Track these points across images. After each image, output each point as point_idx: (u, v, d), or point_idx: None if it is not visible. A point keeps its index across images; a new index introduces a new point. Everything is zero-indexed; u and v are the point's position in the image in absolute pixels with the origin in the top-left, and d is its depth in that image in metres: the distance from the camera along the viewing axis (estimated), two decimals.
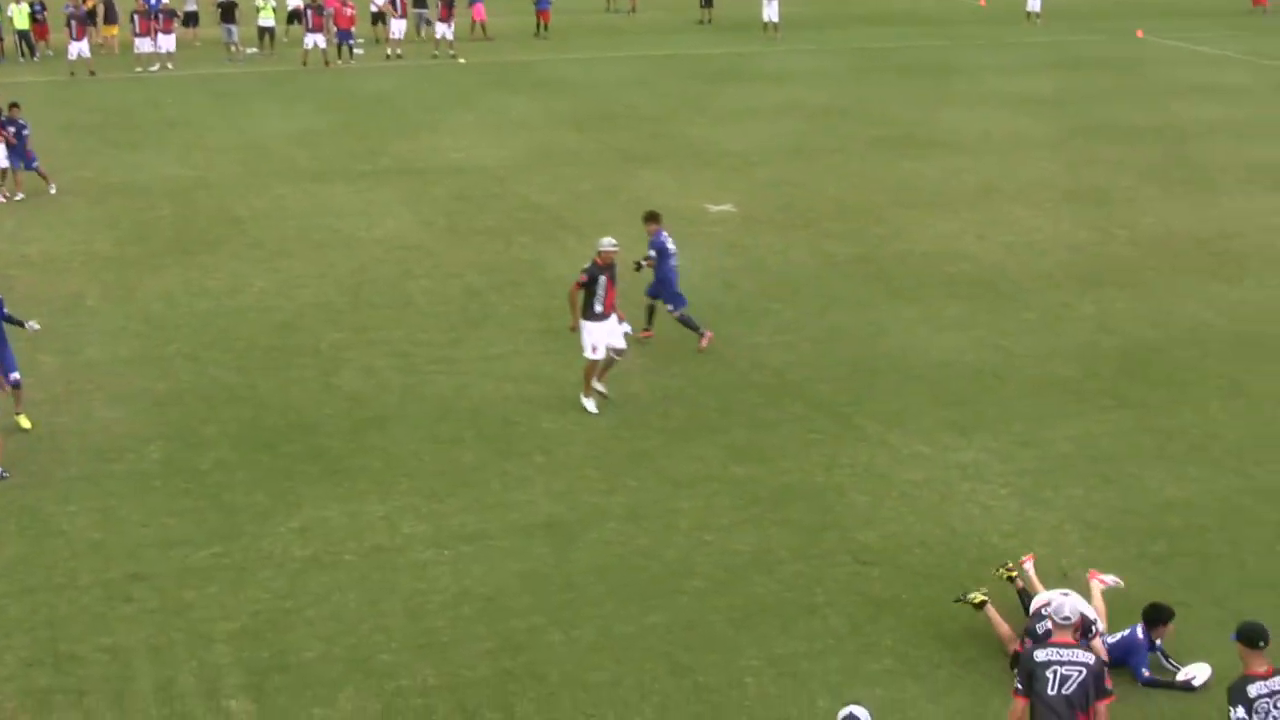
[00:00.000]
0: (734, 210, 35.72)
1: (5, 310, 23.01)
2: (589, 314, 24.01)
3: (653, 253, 26.51)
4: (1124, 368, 26.86)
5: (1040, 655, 13.81)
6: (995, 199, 37.47)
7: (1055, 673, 13.66)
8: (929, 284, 30.95)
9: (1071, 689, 13.61)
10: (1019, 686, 13.86)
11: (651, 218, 26.97)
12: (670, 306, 26.87)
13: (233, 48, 58.65)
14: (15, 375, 23.04)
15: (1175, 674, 17.47)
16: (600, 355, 24.13)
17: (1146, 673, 17.35)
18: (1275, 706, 13.34)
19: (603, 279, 23.99)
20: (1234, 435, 24.22)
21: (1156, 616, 17.47)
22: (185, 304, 28.54)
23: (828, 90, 52.10)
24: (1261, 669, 13.50)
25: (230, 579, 19.22)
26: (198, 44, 61.27)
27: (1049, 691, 13.63)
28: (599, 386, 24.51)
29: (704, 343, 26.77)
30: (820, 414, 24.57)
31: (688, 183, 37.90)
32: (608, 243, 24.31)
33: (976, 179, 39.28)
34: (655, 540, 20.45)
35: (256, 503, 21.08)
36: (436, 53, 58.70)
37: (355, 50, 57.85)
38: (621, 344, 24.44)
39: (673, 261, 26.69)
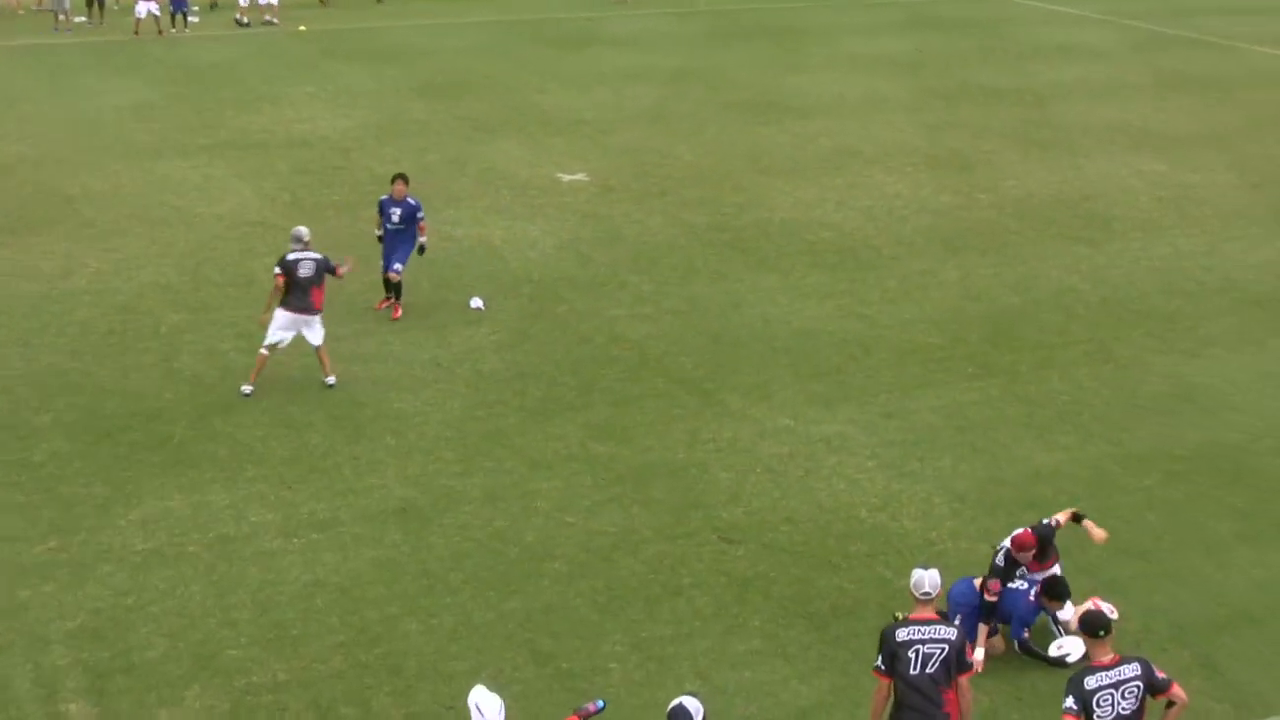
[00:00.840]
0: (588, 179, 35.59)
1: None
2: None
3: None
4: (989, 335, 27.07)
5: (902, 634, 13.79)
6: (854, 164, 37.64)
7: (917, 652, 13.68)
8: (789, 253, 31.01)
9: (934, 667, 13.66)
10: (881, 666, 13.88)
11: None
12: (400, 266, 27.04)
13: (60, 16, 57.45)
14: None
15: (1050, 645, 17.60)
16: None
17: (1026, 634, 17.44)
18: (1123, 696, 13.33)
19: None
20: (1102, 401, 24.51)
21: (1055, 591, 17.46)
22: (14, 287, 27.88)
23: (680, 54, 52.02)
24: (1105, 658, 13.49)
25: (68, 576, 18.79)
26: (22, 12, 60.00)
27: (911, 671, 13.67)
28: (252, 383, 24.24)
29: (397, 313, 27.15)
30: (682, 389, 24.53)
31: (539, 151, 37.72)
32: (300, 232, 24.13)
33: (834, 144, 39.43)
34: (514, 523, 20.31)
35: (95, 495, 20.64)
36: (269, 18, 57.87)
37: (190, 18, 56.93)
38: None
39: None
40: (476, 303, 27.45)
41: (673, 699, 13.00)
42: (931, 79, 48.12)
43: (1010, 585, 17.48)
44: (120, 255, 29.54)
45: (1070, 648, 17.49)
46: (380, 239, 27.13)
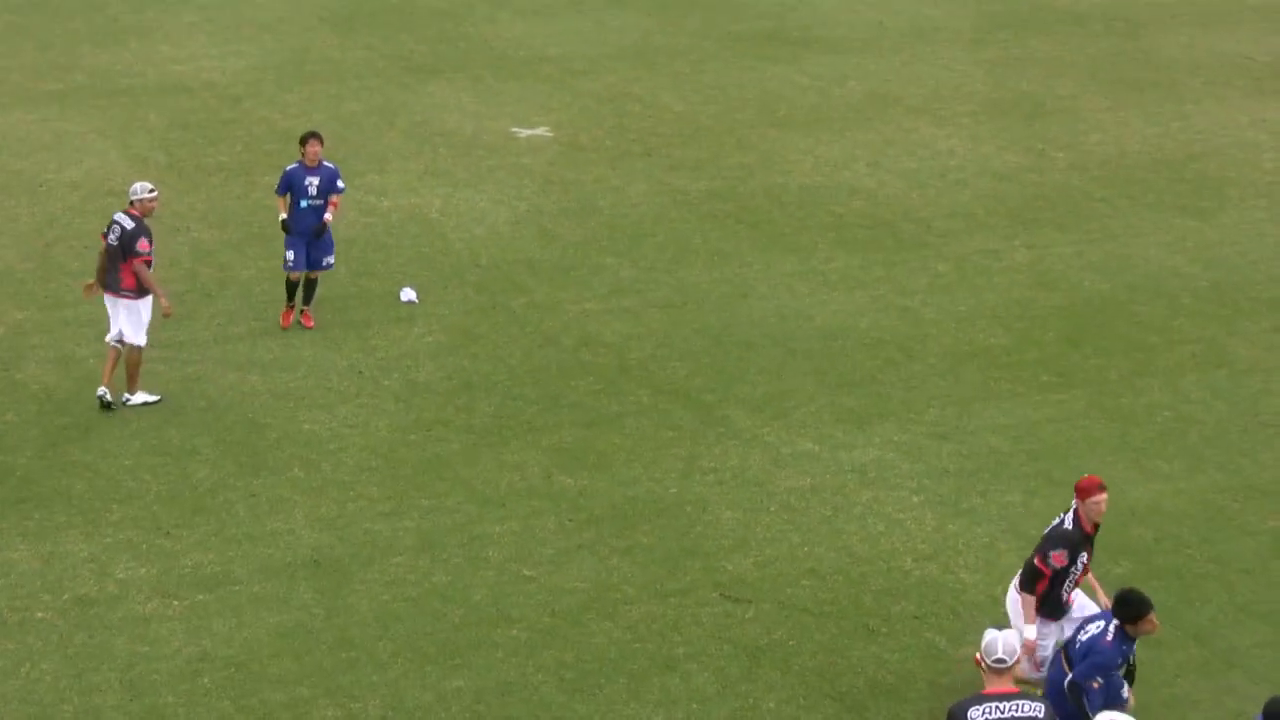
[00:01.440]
0: (551, 134, 35.73)
1: None
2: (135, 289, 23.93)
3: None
4: (1069, 333, 27.22)
5: (975, 713, 13.85)
6: (893, 114, 37.79)
7: None
8: (810, 228, 31.15)
9: None
10: None
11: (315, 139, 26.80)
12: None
13: None
14: None
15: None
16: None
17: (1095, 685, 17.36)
18: None
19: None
20: (1214, 417, 24.67)
21: (1134, 610, 16.92)
22: None
23: None
24: None
25: None
26: None
27: None
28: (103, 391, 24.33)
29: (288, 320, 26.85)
30: (674, 403, 24.68)
31: (489, 99, 37.84)
32: (141, 188, 24.11)
33: (867, 88, 39.59)
34: (458, 578, 20.43)
35: None
36: None
37: None
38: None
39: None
40: (408, 294, 27.56)
41: None
42: (995, 1, 48.33)
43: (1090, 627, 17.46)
44: None
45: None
46: (285, 224, 26.54)
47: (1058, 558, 17.37)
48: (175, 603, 19.83)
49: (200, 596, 19.96)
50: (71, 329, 26.28)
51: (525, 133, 35.82)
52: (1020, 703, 13.91)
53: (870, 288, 28.71)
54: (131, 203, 23.83)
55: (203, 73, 38.98)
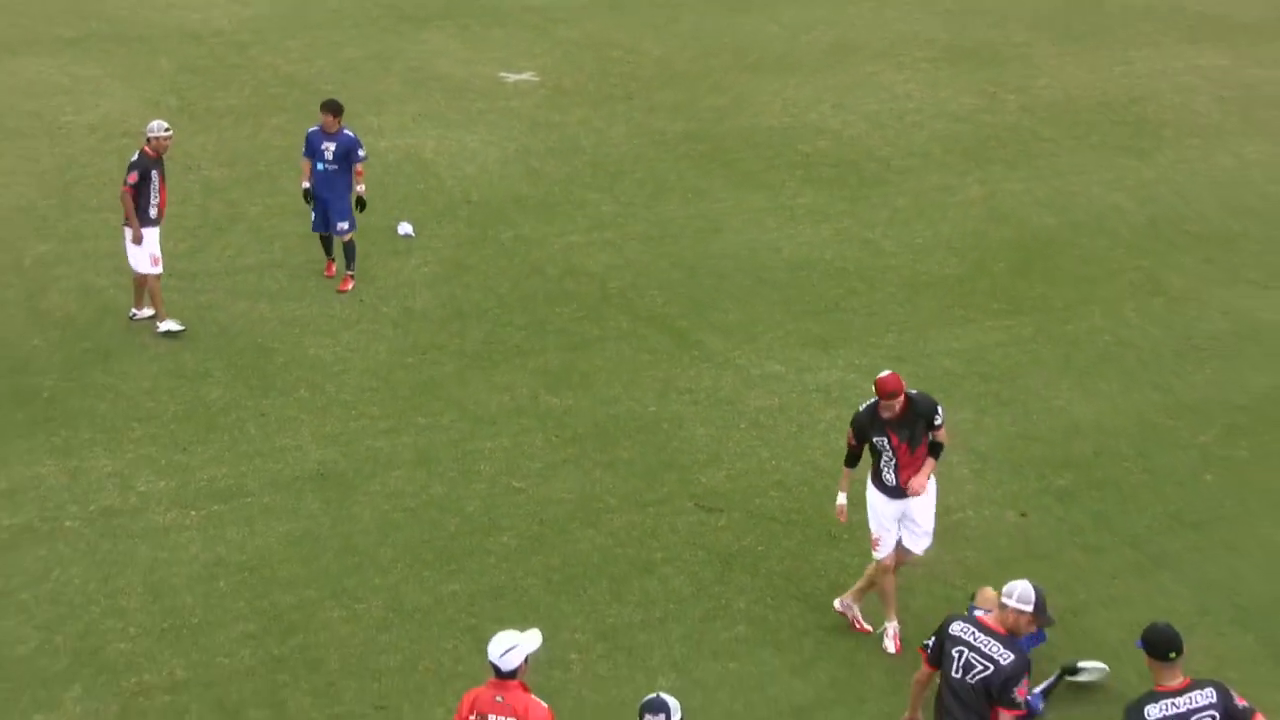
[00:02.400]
0: (537, 79, 35.73)
1: None
2: (147, 220, 23.84)
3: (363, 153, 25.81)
4: (1018, 264, 27.39)
5: (955, 628, 13.78)
6: (857, 59, 37.81)
7: (961, 654, 13.64)
8: (779, 166, 31.23)
9: (973, 679, 13.56)
10: (930, 650, 14.00)
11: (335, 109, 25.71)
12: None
13: None
14: None
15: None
16: (160, 268, 24.05)
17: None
18: None
19: (155, 175, 23.84)
20: (1151, 342, 24.87)
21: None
22: None
23: None
24: (1173, 683, 13.09)
25: None
26: None
27: (951, 671, 13.68)
28: (143, 312, 24.45)
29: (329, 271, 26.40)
30: (651, 329, 24.81)
31: (478, 46, 37.81)
32: (158, 127, 24.12)
33: (834, 35, 39.60)
34: (452, 490, 20.59)
35: None
36: None
37: None
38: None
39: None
40: (405, 228, 27.66)
41: (644, 696, 13.27)
42: None
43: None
44: None
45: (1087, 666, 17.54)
46: (305, 192, 25.72)
47: (849, 438, 17.64)
48: (192, 513, 20.01)
49: (215, 507, 20.14)
50: (91, 260, 26.34)
51: (512, 78, 35.82)
52: (995, 644, 13.58)
53: (834, 221, 28.83)
54: (148, 140, 23.92)
55: (212, 21, 38.92)
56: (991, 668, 13.45)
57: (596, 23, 39.93)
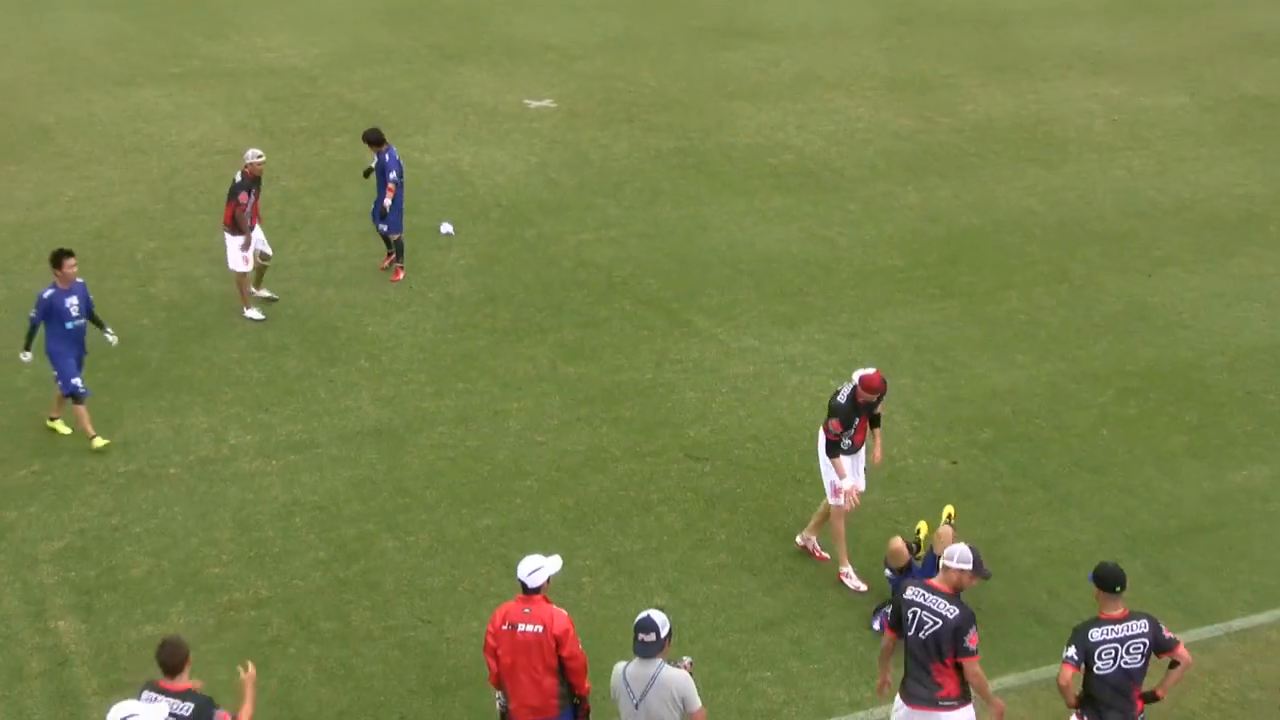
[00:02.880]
0: (554, 105, 35.61)
1: (92, 308, 20.72)
2: (243, 229, 23.73)
3: (394, 175, 25.28)
4: (949, 256, 27.34)
5: (908, 593, 13.49)
6: (816, 88, 37.69)
7: (915, 614, 13.34)
8: (753, 176, 31.15)
9: (926, 635, 13.29)
10: (888, 617, 13.77)
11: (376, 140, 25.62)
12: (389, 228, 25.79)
13: None
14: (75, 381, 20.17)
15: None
16: (249, 266, 23.96)
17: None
18: (1127, 652, 13.14)
19: (251, 194, 23.79)
20: (1058, 320, 24.84)
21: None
22: None
23: None
24: (1114, 612, 13.23)
25: (52, 497, 19.03)
26: None
27: (908, 632, 13.36)
28: (261, 292, 24.40)
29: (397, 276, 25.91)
30: (649, 310, 24.76)
31: (506, 78, 37.69)
32: (252, 154, 23.95)
33: (797, 68, 39.46)
34: (486, 442, 20.58)
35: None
36: None
37: None
38: (268, 249, 24.31)
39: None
40: (446, 228, 27.57)
41: (642, 611, 13.26)
42: (893, 4, 48.03)
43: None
44: (95, 183, 29.54)
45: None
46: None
47: (835, 425, 17.41)
48: (273, 462, 20.00)
49: (292, 457, 20.13)
50: (191, 254, 26.26)
51: (534, 104, 35.67)
52: (941, 600, 13.32)
53: (799, 222, 28.74)
54: (246, 164, 23.82)
55: (288, 58, 38.75)
56: (940, 622, 13.23)
57: (604, 59, 39.75)
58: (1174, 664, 13.38)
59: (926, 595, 13.40)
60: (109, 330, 20.98)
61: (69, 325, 20.10)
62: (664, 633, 12.91)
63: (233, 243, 23.75)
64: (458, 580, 17.62)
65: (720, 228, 28.27)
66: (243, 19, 42.45)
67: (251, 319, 23.90)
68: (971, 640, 13.22)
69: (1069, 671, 13.23)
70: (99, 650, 16.31)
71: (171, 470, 19.68)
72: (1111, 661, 13.15)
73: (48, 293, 20.09)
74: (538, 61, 39.16)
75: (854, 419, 17.46)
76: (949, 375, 22.88)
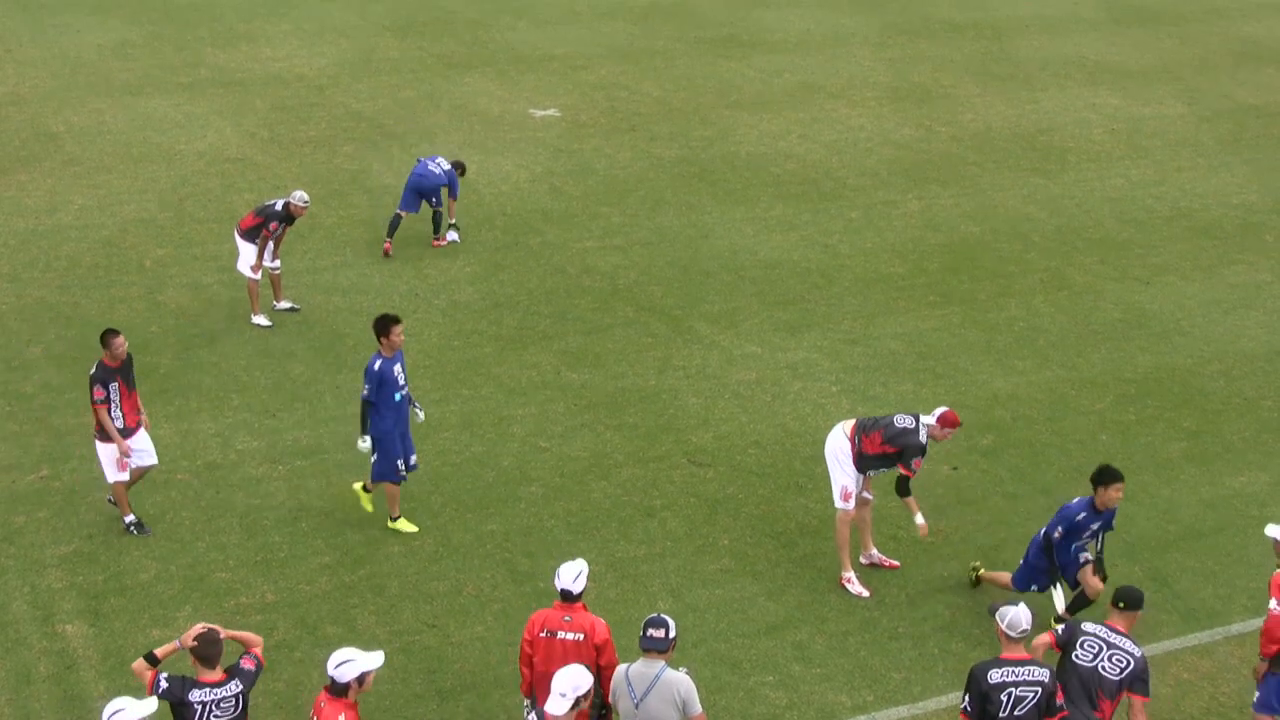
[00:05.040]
0: (559, 115, 35.56)
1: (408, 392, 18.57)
2: (265, 250, 23.85)
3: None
4: (949, 263, 27.27)
5: (995, 676, 12.76)
6: (818, 98, 37.64)
7: (1010, 695, 12.71)
8: (755, 185, 31.09)
9: (1025, 710, 12.74)
10: (967, 708, 12.94)
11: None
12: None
13: None
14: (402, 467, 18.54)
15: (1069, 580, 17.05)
16: (259, 275, 23.97)
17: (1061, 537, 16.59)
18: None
19: (284, 228, 23.98)
20: (1057, 327, 24.78)
21: (1103, 475, 16.41)
22: (1, 224, 27.85)
23: None
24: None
25: (60, 502, 18.97)
26: None
27: (1001, 715, 12.72)
28: (282, 305, 24.44)
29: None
30: (652, 317, 24.70)
31: (512, 88, 37.64)
32: (300, 198, 23.98)
33: (799, 78, 39.42)
34: (491, 448, 20.51)
35: (85, 424, 20.62)
36: None
37: None
38: (277, 262, 24.45)
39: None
40: (452, 235, 27.52)
41: (646, 616, 13.18)
42: (894, 14, 48.02)
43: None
44: (104, 191, 29.48)
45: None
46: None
47: (917, 464, 17.28)
48: (280, 467, 19.94)
49: (299, 462, 20.07)
50: (200, 263, 26.21)
51: (539, 113, 35.63)
52: (1031, 669, 12.80)
53: (800, 229, 28.68)
54: (289, 202, 23.80)
55: (296, 68, 38.71)
56: (1039, 690, 12.74)
57: (608, 69, 39.70)
58: None
59: (1015, 669, 12.85)
60: (418, 406, 18.91)
61: (397, 396, 18.10)
62: (673, 633, 12.87)
63: (246, 249, 23.71)
64: (462, 585, 17.56)
65: (723, 235, 28.20)
66: (251, 29, 42.41)
67: (259, 325, 23.83)
68: (1060, 696, 12.97)
69: None
70: (106, 654, 16.24)
71: (179, 475, 19.60)
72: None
73: (377, 363, 17.93)
74: (542, 71, 39.10)
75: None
76: (950, 381, 22.81)
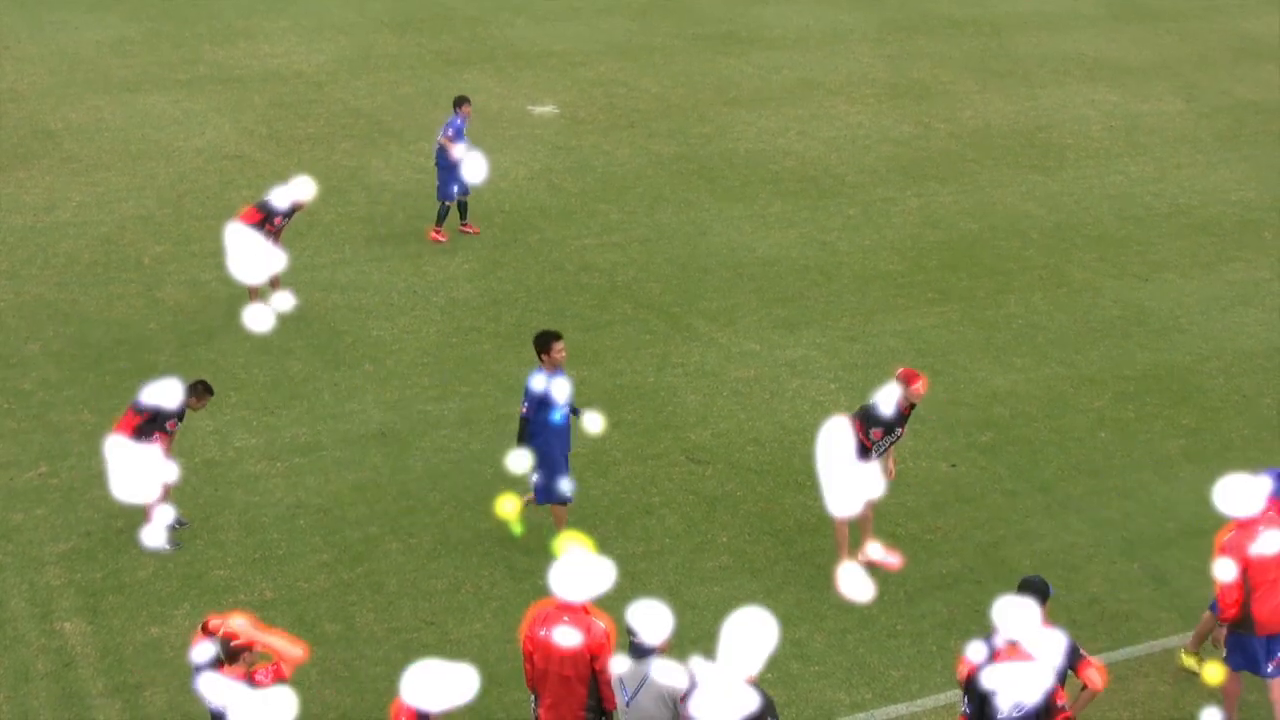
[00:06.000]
0: (557, 111, 35.56)
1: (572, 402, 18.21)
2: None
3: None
4: (948, 261, 27.26)
5: (995, 677, 12.39)
6: (816, 95, 37.64)
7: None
8: (754, 181, 31.09)
9: (1025, 712, 12.68)
10: (967, 711, 12.95)
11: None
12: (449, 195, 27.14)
13: None
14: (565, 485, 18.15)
15: None
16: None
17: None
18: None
19: (289, 218, 24.14)
20: (1056, 325, 24.77)
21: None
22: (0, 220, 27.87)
23: None
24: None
25: (59, 500, 18.97)
26: None
27: (999, 717, 12.69)
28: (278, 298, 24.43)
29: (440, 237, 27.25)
30: (651, 314, 24.70)
31: (510, 84, 37.64)
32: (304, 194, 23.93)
33: (797, 75, 39.42)
34: (489, 445, 20.50)
35: (83, 421, 20.77)
36: None
37: None
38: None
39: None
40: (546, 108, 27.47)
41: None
42: (893, 10, 48.03)
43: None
44: (102, 188, 29.48)
45: None
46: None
47: (876, 434, 17.33)
48: (278, 464, 19.94)
49: (297, 460, 20.07)
50: (198, 259, 26.20)
51: (537, 110, 35.63)
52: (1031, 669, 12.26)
53: (799, 226, 28.68)
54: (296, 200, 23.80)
55: (294, 64, 38.71)
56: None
57: (606, 65, 39.72)
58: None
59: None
60: (583, 412, 18.40)
61: (557, 415, 17.60)
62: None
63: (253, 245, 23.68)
64: (460, 582, 17.56)
65: (721, 233, 28.20)
66: (250, 26, 42.40)
67: (272, 311, 23.77)
68: (1061, 697, 12.82)
69: None
70: (105, 652, 16.25)
71: (177, 473, 19.54)
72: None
73: (539, 381, 17.31)
74: (541, 68, 39.10)
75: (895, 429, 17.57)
76: (948, 379, 22.80)
